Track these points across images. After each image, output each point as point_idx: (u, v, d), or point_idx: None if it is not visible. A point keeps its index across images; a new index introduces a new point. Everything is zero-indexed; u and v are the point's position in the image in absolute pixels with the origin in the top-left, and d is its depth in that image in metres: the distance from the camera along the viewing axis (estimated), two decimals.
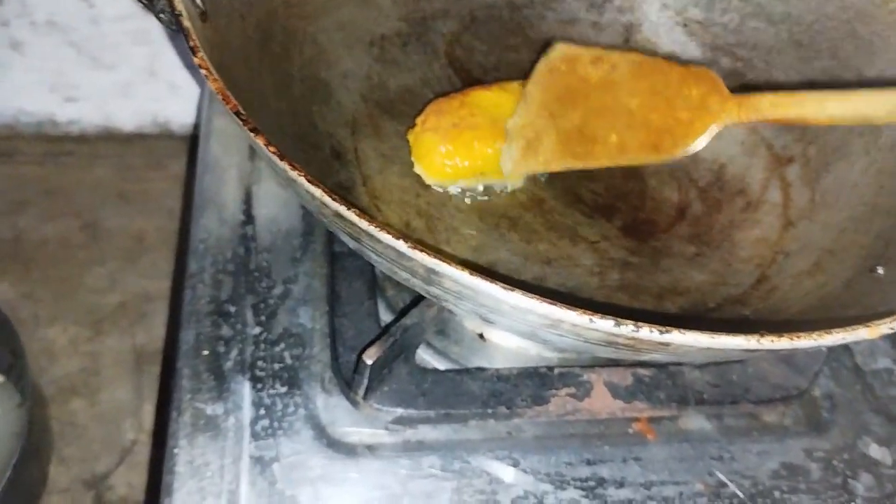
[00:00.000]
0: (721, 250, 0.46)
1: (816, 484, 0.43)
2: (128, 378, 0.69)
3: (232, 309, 0.45)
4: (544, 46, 0.55)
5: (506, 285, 0.25)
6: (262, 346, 0.44)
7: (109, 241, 0.78)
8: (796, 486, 0.43)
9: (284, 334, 0.44)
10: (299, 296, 0.46)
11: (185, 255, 0.47)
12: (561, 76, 0.42)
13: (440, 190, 0.47)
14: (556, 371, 0.43)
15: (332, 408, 0.42)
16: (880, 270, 0.37)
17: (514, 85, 0.48)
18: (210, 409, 0.41)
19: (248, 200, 0.51)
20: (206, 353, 0.43)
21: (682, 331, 0.25)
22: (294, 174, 0.27)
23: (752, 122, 0.39)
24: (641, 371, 0.43)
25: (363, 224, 0.26)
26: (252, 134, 0.28)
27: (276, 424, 0.41)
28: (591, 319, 0.25)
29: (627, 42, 0.57)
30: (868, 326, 0.27)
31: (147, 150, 0.83)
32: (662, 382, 0.43)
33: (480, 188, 0.47)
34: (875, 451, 0.45)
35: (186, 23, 0.31)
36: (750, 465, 0.43)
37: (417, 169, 0.46)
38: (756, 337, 0.26)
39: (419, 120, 0.46)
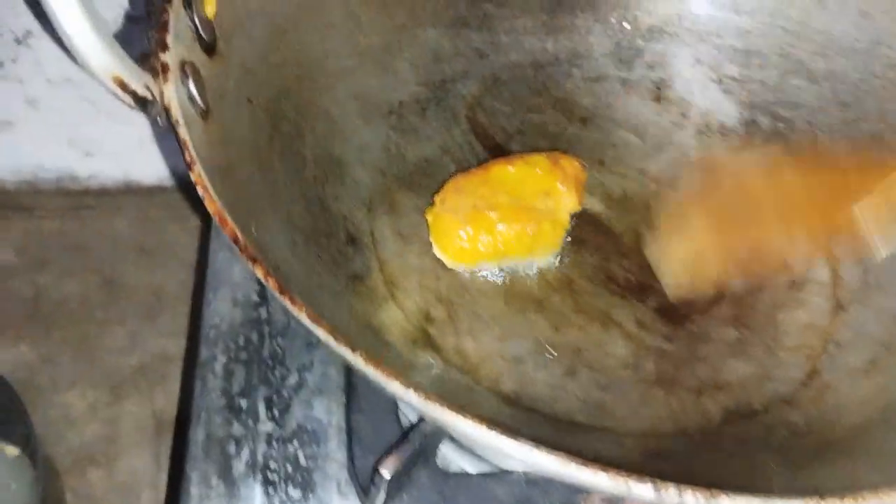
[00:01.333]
0: (765, 335, 0.42)
1: None
2: (147, 445, 0.67)
3: (244, 403, 0.43)
4: (570, 106, 0.54)
5: (531, 442, 0.23)
6: (275, 444, 0.42)
7: (129, 298, 0.76)
8: None
9: (299, 431, 0.42)
10: (314, 386, 0.44)
11: (197, 335, 0.45)
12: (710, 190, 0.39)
13: (463, 271, 0.44)
14: None
15: None
16: None
17: (539, 157, 0.45)
18: None
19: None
20: (215, 454, 0.41)
21: (731, 495, 0.22)
22: (295, 310, 0.25)
23: None
24: None
25: (370, 371, 0.24)
26: (251, 263, 0.26)
27: None
28: (626, 483, 0.22)
29: (659, 100, 0.54)
30: None
31: (167, 203, 0.81)
32: None
33: (505, 269, 0.45)
34: None
35: (184, 134, 0.29)
36: None
37: (436, 251, 0.43)
38: (815, 499, 0.23)
39: (438, 199, 0.44)
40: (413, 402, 0.23)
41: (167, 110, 0.29)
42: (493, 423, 0.23)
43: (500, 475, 0.39)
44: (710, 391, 0.40)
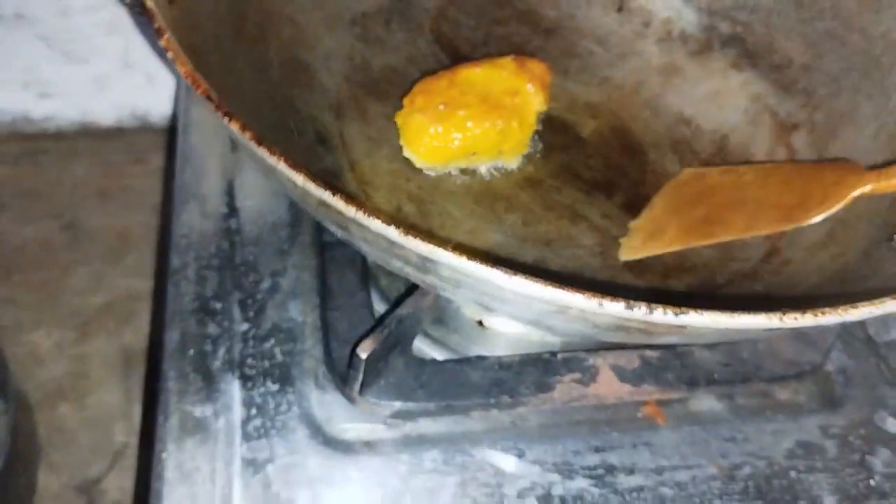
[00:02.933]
0: None
1: (833, 462, 0.41)
2: (116, 380, 0.67)
3: (218, 306, 0.43)
4: (533, 18, 0.54)
5: (507, 270, 0.24)
6: (251, 342, 0.42)
7: (92, 241, 0.75)
8: (813, 464, 0.41)
9: (274, 330, 0.42)
10: (288, 289, 0.44)
11: (167, 251, 0.45)
12: (688, 187, 0.42)
13: (432, 173, 0.45)
14: (560, 357, 0.41)
15: (327, 404, 0.40)
16: None
17: (505, 60, 0.46)
18: (198, 412, 0.39)
19: (230, 192, 0.48)
20: (192, 352, 0.41)
21: (699, 311, 0.23)
22: (273, 160, 0.25)
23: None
24: (649, 353, 0.42)
25: (350, 211, 0.24)
26: (226, 119, 0.26)
27: (268, 424, 0.39)
28: (600, 303, 0.23)
29: (621, 10, 0.54)
30: None
31: (127, 144, 0.80)
32: (671, 364, 0.42)
33: (474, 169, 0.45)
34: (892, 424, 0.43)
35: (150, 3, 0.29)
36: (764, 446, 0.41)
37: (407, 152, 0.44)
38: (778, 315, 0.24)
39: (406, 101, 0.44)
40: (387, 234, 0.24)
41: None
42: (482, 259, 0.24)
43: (476, 361, 0.40)
44: (677, 273, 0.41)
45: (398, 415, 0.39)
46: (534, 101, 0.45)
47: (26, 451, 0.57)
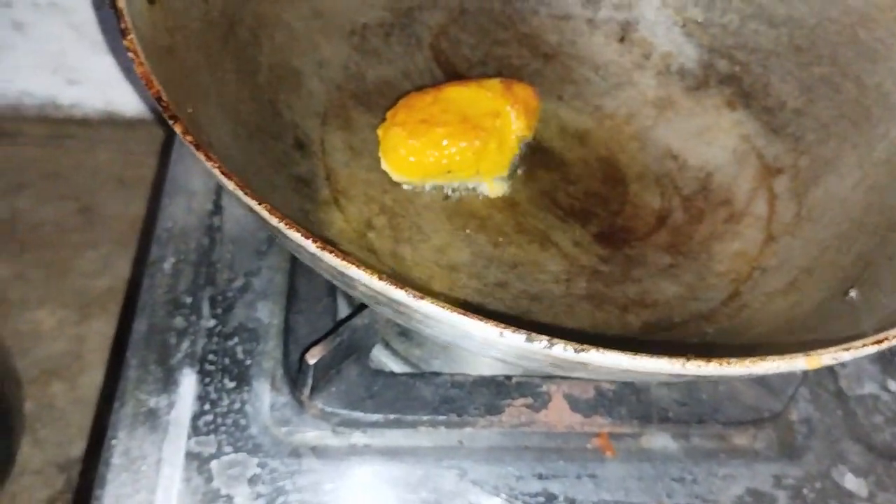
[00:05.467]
0: (697, 262, 0.43)
1: None
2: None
3: (188, 300, 0.44)
4: (534, 42, 0.54)
5: (415, 293, 0.24)
6: (216, 339, 0.43)
7: (104, 226, 0.78)
8: None
9: (239, 328, 0.43)
10: (260, 289, 0.45)
11: (149, 242, 0.47)
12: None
13: (409, 187, 0.45)
14: (514, 380, 0.41)
15: (279, 406, 0.41)
16: (853, 294, 0.34)
17: (493, 82, 0.46)
18: (153, 402, 0.40)
19: (219, 190, 0.50)
20: (156, 343, 0.42)
21: (600, 350, 0.24)
22: (201, 156, 0.26)
23: None
24: (604, 385, 0.41)
25: (252, 205, 0.25)
26: (171, 121, 0.27)
27: (219, 420, 0.40)
28: (500, 333, 0.23)
29: (623, 41, 0.54)
30: (808, 355, 0.24)
31: (148, 135, 0.82)
32: (626, 398, 0.41)
33: (451, 186, 0.46)
34: (850, 481, 0.42)
35: (121, 3, 0.30)
36: (713, 489, 0.41)
37: (384, 165, 0.44)
38: (681, 361, 0.24)
39: (389, 114, 0.45)
40: (311, 251, 0.25)
41: None
42: (392, 279, 0.24)
43: (429, 377, 0.41)
44: (636, 308, 0.41)
45: (345, 423, 0.40)
46: (516, 125, 0.45)
47: (11, 425, 0.59)
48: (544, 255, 0.44)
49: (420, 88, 0.49)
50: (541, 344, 0.24)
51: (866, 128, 0.44)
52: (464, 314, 0.24)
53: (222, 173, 0.25)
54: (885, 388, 0.47)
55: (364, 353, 0.41)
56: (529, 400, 0.41)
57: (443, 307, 0.23)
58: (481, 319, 0.24)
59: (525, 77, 0.53)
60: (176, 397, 0.40)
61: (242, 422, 0.40)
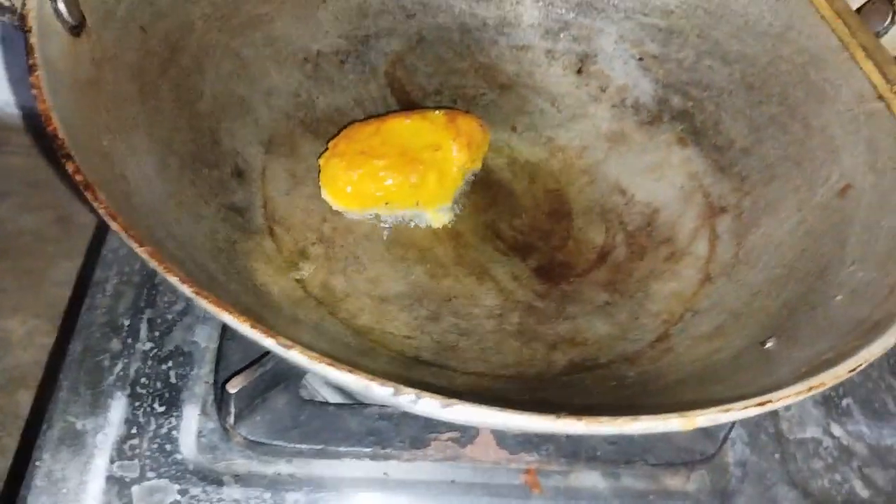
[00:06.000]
0: (633, 301, 0.43)
1: None
2: None
3: (126, 322, 0.44)
4: (492, 72, 0.54)
5: (286, 342, 0.24)
6: (150, 362, 0.43)
7: (81, 236, 0.79)
8: None
9: (175, 352, 0.44)
10: (199, 314, 0.45)
11: (95, 259, 0.47)
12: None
13: (350, 216, 0.45)
14: None
15: (207, 433, 0.41)
16: (770, 344, 0.34)
17: (437, 114, 0.46)
18: (80, 424, 0.40)
19: None
20: (89, 365, 0.42)
21: (465, 404, 0.24)
22: (89, 195, 0.26)
23: None
24: None
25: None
26: (64, 159, 0.27)
27: (144, 445, 0.40)
28: (366, 385, 0.24)
29: (580, 72, 0.54)
30: (683, 416, 0.24)
31: None
32: (555, 435, 0.41)
33: (394, 217, 0.46)
34: None
35: (33, 40, 0.30)
36: None
37: (324, 194, 0.44)
38: (552, 417, 0.24)
39: (331, 144, 0.45)
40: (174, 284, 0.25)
41: (23, 17, 0.31)
42: (263, 326, 0.25)
43: (357, 408, 0.41)
44: (565, 346, 0.41)
45: (270, 452, 0.40)
46: (457, 157, 0.45)
47: None
48: (481, 288, 0.44)
49: (371, 116, 0.50)
50: (408, 398, 0.24)
51: (809, 170, 0.43)
52: (331, 364, 0.24)
53: (108, 213, 0.26)
54: (828, 433, 0.47)
55: (294, 381, 0.41)
56: (456, 434, 0.41)
57: (310, 357, 0.24)
58: (351, 371, 0.24)
59: (480, 107, 0.53)
60: (103, 420, 0.41)
61: (168, 447, 0.40)
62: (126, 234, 0.26)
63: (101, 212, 0.26)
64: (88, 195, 0.26)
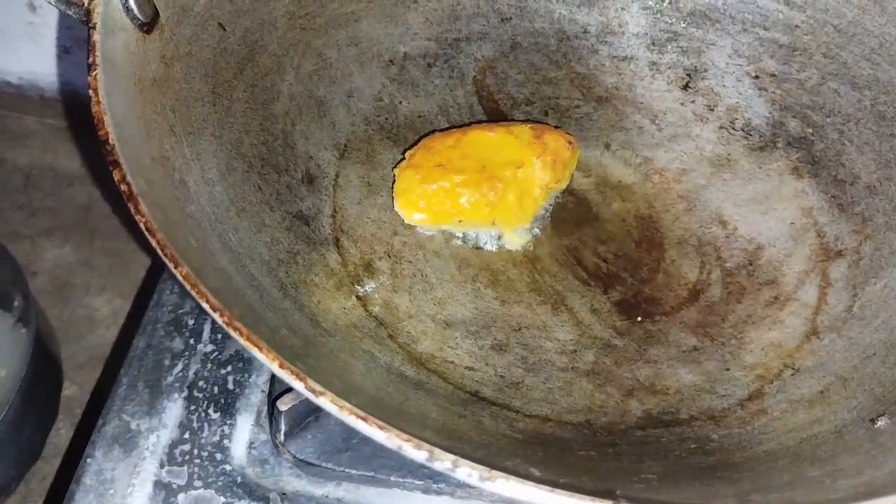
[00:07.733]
0: (725, 349, 0.39)
1: None
2: None
3: (191, 322, 0.44)
4: (589, 83, 0.51)
5: (318, 388, 0.22)
6: (209, 365, 0.42)
7: None
8: None
9: (235, 357, 0.43)
10: None
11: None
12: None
13: (422, 231, 0.43)
14: None
15: (258, 445, 0.40)
16: (881, 422, 0.29)
17: (523, 128, 0.43)
18: (135, 424, 0.40)
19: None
20: (150, 363, 0.42)
21: (510, 478, 0.21)
22: (131, 206, 0.25)
23: None
24: None
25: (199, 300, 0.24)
26: (111, 166, 0.26)
27: (195, 452, 0.39)
28: (399, 446, 0.21)
29: (687, 88, 0.50)
30: None
31: None
32: None
33: (468, 235, 0.43)
34: None
35: (96, 37, 0.29)
36: None
37: (396, 206, 0.42)
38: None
39: (408, 154, 0.43)
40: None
41: (89, 12, 0.30)
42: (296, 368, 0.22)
43: None
44: (642, 393, 0.37)
45: (319, 473, 0.38)
46: (540, 176, 0.42)
47: (46, 412, 0.61)
48: (555, 319, 0.41)
49: (456, 125, 0.47)
50: (444, 464, 0.21)
51: None
52: (362, 418, 0.21)
53: (147, 228, 0.24)
54: None
55: None
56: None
57: (341, 407, 0.21)
58: (382, 428, 0.21)
59: (572, 120, 0.49)
60: (157, 422, 0.40)
61: (218, 456, 0.39)
62: (163, 251, 0.24)
63: (141, 225, 0.25)
64: (130, 206, 0.25)
